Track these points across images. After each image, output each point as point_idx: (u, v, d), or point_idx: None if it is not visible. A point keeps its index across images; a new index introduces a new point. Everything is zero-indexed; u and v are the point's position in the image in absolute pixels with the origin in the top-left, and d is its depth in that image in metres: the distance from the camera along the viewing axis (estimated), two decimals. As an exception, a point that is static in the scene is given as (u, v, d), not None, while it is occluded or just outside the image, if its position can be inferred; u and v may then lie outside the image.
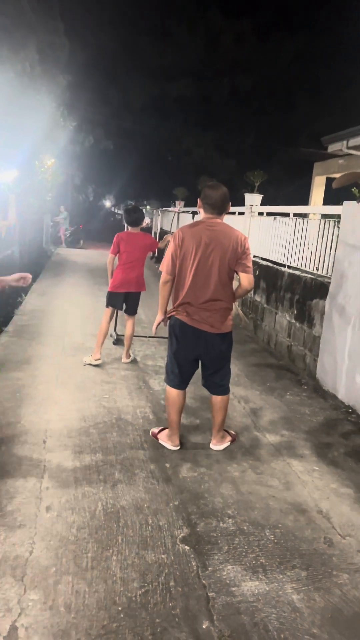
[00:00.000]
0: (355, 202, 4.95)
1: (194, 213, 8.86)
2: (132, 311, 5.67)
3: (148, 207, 35.08)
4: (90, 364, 5.44)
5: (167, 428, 3.84)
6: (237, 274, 3.51)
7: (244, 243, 3.47)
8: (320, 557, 2.69)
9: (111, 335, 6.52)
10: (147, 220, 33.71)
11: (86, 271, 12.71)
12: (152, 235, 19.30)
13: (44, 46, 12.84)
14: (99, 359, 5.49)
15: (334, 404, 4.99)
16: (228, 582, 2.44)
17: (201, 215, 3.59)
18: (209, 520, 2.92)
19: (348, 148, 10.85)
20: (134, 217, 5.56)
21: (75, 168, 24.59)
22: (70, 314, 7.85)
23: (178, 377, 3.70)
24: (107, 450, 3.64)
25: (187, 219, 14.27)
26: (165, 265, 3.55)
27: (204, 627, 2.16)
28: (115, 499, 3.04)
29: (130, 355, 5.81)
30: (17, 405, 4.31)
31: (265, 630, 2.17)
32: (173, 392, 3.71)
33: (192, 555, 2.60)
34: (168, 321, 3.70)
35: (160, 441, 3.81)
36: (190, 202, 17.07)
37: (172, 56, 22.44)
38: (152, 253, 6.11)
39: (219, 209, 3.50)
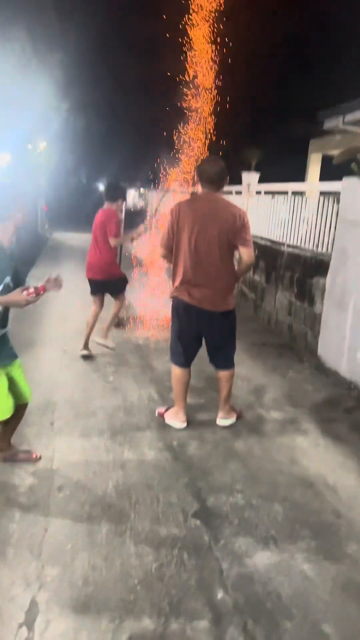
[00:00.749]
0: (355, 177, 4.93)
1: (192, 194, 8.77)
2: (113, 295, 5.42)
3: (142, 189, 34.78)
4: (83, 355, 5.19)
5: (172, 407, 3.88)
6: (237, 249, 3.49)
7: (243, 217, 3.43)
8: (329, 528, 2.75)
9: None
10: (141, 202, 33.37)
11: (83, 255, 12.66)
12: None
13: (34, 24, 12.62)
14: (83, 350, 5.20)
15: (336, 380, 5.04)
16: (240, 553, 2.50)
17: (198, 190, 3.60)
18: (219, 495, 2.98)
19: (344, 124, 10.75)
20: (106, 192, 5.30)
21: (68, 151, 24.34)
22: (70, 298, 7.83)
23: (182, 355, 3.74)
24: (114, 431, 3.68)
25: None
26: (160, 238, 3.59)
27: (218, 597, 2.22)
28: (126, 477, 3.08)
29: (107, 337, 5.45)
30: (22, 388, 4.33)
31: (278, 599, 2.23)
32: (178, 370, 3.77)
33: (204, 529, 2.66)
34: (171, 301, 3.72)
35: (167, 420, 3.84)
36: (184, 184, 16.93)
37: (161, 33, 22.07)
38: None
39: (217, 184, 3.48)
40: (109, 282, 5.28)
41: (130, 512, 2.76)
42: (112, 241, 5.10)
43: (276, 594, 2.25)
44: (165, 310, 5.79)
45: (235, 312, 3.73)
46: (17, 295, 2.63)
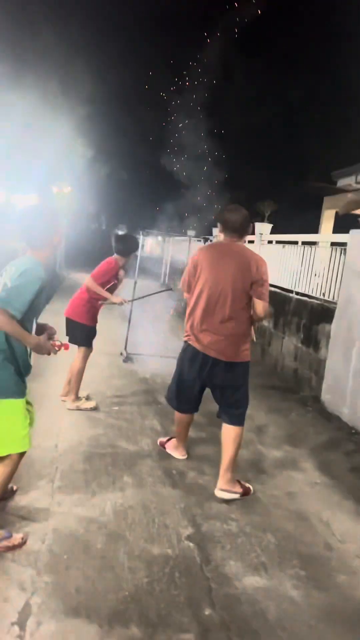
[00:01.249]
0: (360, 230, 5.18)
1: (205, 239, 9.12)
2: (71, 341, 4.46)
3: (160, 238, 35.68)
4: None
5: (174, 437, 3.98)
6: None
7: (262, 268, 3.30)
8: (319, 560, 2.80)
9: (122, 354, 6.73)
10: (157, 250, 34.05)
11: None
12: (163, 263, 19.66)
13: (66, 79, 13.51)
14: (74, 402, 4.74)
15: (338, 425, 5.10)
16: (230, 576, 2.56)
17: (220, 238, 3.52)
18: (214, 522, 3.05)
19: (357, 182, 11.20)
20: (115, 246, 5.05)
21: (91, 197, 25.29)
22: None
23: (175, 399, 3.66)
24: (116, 456, 3.78)
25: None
26: (181, 282, 3.61)
27: (206, 613, 2.28)
28: (124, 499, 3.17)
29: (78, 399, 4.74)
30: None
31: (264, 620, 2.28)
32: (179, 414, 3.74)
33: (197, 551, 2.73)
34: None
35: (167, 450, 3.93)
36: (201, 233, 17.44)
37: (185, 91, 23.33)
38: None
39: (240, 233, 3.40)
40: (70, 322, 4.81)
41: (126, 531, 2.84)
42: (88, 280, 4.80)
43: (262, 616, 2.30)
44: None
45: (248, 365, 3.54)
46: (44, 342, 2.64)
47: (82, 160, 15.60)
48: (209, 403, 4.12)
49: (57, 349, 2.67)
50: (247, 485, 3.50)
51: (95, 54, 18.91)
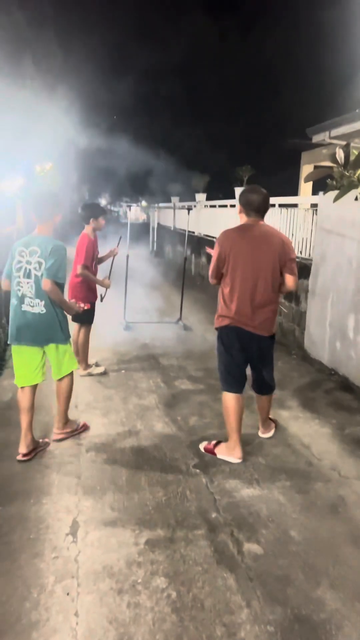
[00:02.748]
0: (329, 192, 5.71)
1: (189, 209, 9.58)
2: (72, 318, 4.81)
3: (144, 202, 35.79)
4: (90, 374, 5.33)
5: (220, 442, 3.78)
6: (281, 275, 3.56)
7: (289, 244, 3.56)
8: (302, 472, 3.49)
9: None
10: (143, 215, 34.15)
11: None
12: (149, 231, 20.02)
13: (38, 57, 13.58)
14: (86, 369, 5.31)
15: (320, 368, 5.77)
16: (230, 490, 3.24)
17: (242, 219, 3.58)
18: (214, 453, 3.72)
19: (331, 138, 11.57)
20: (79, 214, 5.23)
21: (72, 170, 25.31)
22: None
23: (236, 380, 3.68)
24: (129, 410, 4.44)
25: (183, 214, 15.01)
26: (211, 269, 3.64)
27: (212, 516, 2.96)
28: (139, 442, 3.83)
29: (88, 366, 5.33)
30: (50, 381, 5.11)
31: (257, 516, 2.97)
32: (232, 399, 3.65)
33: (202, 475, 3.40)
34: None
35: (219, 456, 3.64)
36: (184, 197, 17.78)
37: (158, 54, 23.17)
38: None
39: (262, 212, 3.54)
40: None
41: (144, 465, 3.50)
42: (79, 269, 4.98)
43: (256, 514, 2.99)
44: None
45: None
46: (73, 304, 3.77)
47: (60, 134, 15.78)
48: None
49: (80, 308, 3.99)
50: (274, 419, 4.27)
51: (63, 21, 18.77)
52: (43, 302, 3.47)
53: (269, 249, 3.46)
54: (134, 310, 8.29)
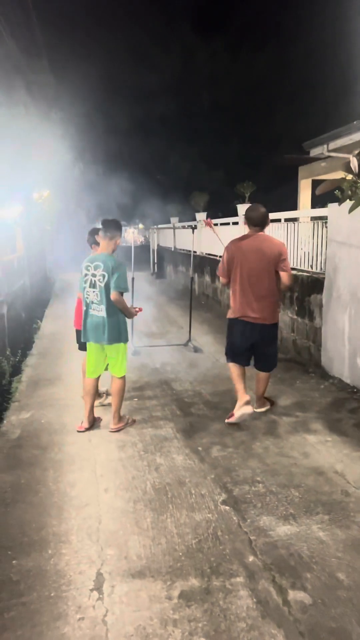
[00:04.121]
0: (337, 204, 5.52)
1: (193, 228, 9.44)
2: (81, 347, 4.92)
3: (141, 225, 35.89)
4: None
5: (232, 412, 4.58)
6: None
7: (283, 248, 4.50)
8: (339, 504, 3.22)
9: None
10: (140, 238, 34.14)
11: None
12: (150, 253, 19.90)
13: (31, 85, 13.59)
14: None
15: (340, 386, 5.52)
16: (265, 528, 2.96)
17: (247, 230, 4.60)
18: (242, 486, 3.45)
19: (329, 151, 11.49)
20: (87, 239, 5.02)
21: (69, 195, 25.33)
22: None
23: (237, 356, 4.64)
24: (146, 442, 4.18)
25: (183, 234, 14.88)
26: (220, 270, 4.66)
27: (250, 560, 2.68)
28: (161, 478, 3.57)
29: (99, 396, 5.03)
30: (59, 413, 4.87)
31: (299, 558, 2.69)
32: (234, 366, 4.64)
33: (233, 512, 3.13)
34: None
35: (235, 415, 4.48)
36: (184, 217, 17.71)
37: (151, 77, 23.38)
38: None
39: (261, 225, 4.53)
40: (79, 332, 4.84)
41: (169, 504, 3.23)
42: (78, 292, 4.77)
43: (297, 555, 2.72)
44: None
45: (278, 323, 4.69)
46: (131, 309, 4.45)
47: (57, 161, 15.76)
48: (220, 384, 4.51)
49: (136, 312, 4.58)
50: (271, 399, 5.01)
51: (55, 48, 18.96)
52: (105, 308, 4.26)
53: (265, 253, 4.41)
54: (142, 333, 8.07)
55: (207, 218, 5.27)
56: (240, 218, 9.03)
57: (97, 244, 4.97)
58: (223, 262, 4.58)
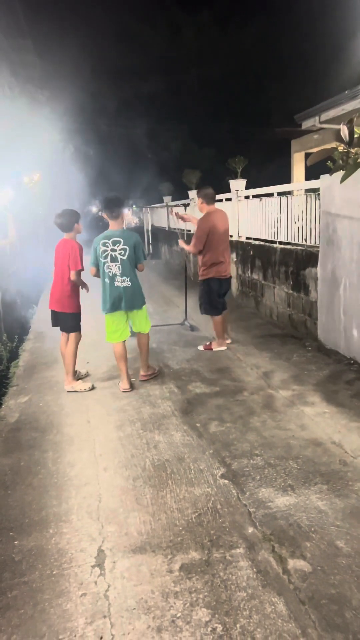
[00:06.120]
0: (329, 175, 5.45)
1: (186, 206, 9.35)
2: (62, 328, 5.08)
3: (134, 206, 35.61)
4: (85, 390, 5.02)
5: (212, 342, 6.17)
6: None
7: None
8: (337, 474, 3.23)
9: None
10: (135, 219, 33.87)
11: (84, 277, 13.22)
12: (144, 233, 19.76)
13: (16, 66, 13.31)
14: (71, 384, 5.03)
15: (337, 358, 5.51)
16: (264, 500, 2.98)
17: (204, 208, 5.87)
18: (241, 460, 3.46)
19: (321, 123, 11.32)
20: (58, 222, 4.94)
21: (60, 179, 25.03)
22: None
23: (219, 307, 5.99)
24: (144, 420, 4.18)
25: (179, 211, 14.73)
26: (197, 245, 5.78)
27: (249, 531, 2.70)
28: (160, 455, 3.58)
29: (74, 378, 5.07)
30: (57, 396, 4.87)
31: (298, 527, 2.71)
32: (219, 317, 6.00)
33: (232, 486, 3.14)
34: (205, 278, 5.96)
35: (214, 349, 6.03)
36: (176, 196, 17.53)
37: (138, 55, 22.93)
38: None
39: (215, 200, 5.96)
40: (57, 314, 5.03)
41: (168, 480, 3.25)
42: (75, 275, 4.88)
43: (297, 525, 2.73)
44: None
45: None
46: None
47: (47, 143, 15.54)
48: (217, 361, 4.48)
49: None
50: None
51: (38, 27, 18.52)
52: (129, 278, 4.73)
53: (225, 222, 5.92)
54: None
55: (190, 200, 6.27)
56: (233, 194, 8.93)
57: (60, 229, 4.98)
58: (204, 232, 5.71)
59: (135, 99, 23.97)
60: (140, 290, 4.88)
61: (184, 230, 11.53)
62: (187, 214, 7.96)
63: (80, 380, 5.14)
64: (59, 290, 4.94)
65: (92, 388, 5.03)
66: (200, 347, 6.13)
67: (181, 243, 6.22)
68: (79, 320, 5.11)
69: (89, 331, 6.99)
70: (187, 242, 6.15)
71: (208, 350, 6.03)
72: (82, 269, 4.90)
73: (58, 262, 4.92)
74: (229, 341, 6.21)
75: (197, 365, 5.55)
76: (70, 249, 4.86)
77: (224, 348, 6.03)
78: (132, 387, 4.93)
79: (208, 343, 6.17)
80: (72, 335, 5.05)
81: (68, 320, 5.02)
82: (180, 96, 24.00)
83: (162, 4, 23.34)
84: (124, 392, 4.84)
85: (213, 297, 5.91)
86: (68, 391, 4.98)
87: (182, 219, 6.40)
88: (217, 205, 6.06)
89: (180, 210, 13.30)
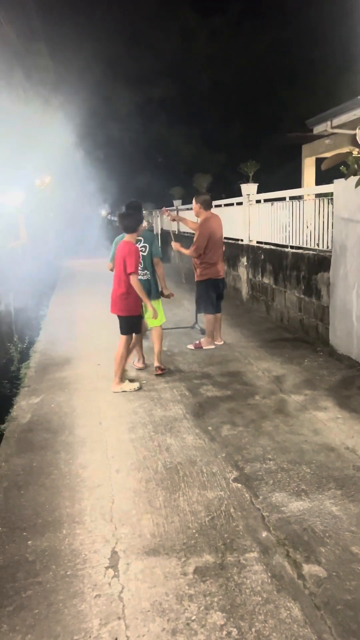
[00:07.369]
0: (343, 179, 5.44)
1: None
2: (121, 330, 5.08)
3: (144, 210, 35.69)
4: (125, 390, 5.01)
5: (202, 339, 6.49)
6: None
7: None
8: (351, 479, 3.21)
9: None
10: (144, 224, 34.06)
11: (95, 279, 13.25)
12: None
13: (30, 70, 13.43)
14: (120, 384, 5.04)
15: (349, 363, 5.49)
16: (277, 504, 2.96)
17: (202, 214, 6.33)
18: (254, 464, 3.45)
19: (333, 128, 11.32)
20: (124, 224, 5.00)
21: (71, 182, 25.16)
22: (92, 319, 8.39)
23: (215, 306, 6.39)
24: (155, 423, 4.18)
25: (188, 216, 14.75)
26: (201, 244, 6.17)
27: (263, 535, 2.69)
28: (172, 457, 3.57)
29: (121, 382, 5.04)
30: (68, 397, 4.88)
31: (313, 532, 2.69)
32: (213, 316, 6.40)
33: (244, 490, 3.13)
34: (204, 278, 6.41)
35: (204, 347, 6.36)
36: (187, 200, 17.56)
37: (151, 59, 23.02)
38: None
39: (211, 206, 6.53)
40: (118, 317, 5.07)
41: (180, 483, 3.24)
42: (133, 280, 4.83)
43: (311, 530, 2.72)
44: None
45: None
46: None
47: (58, 146, 15.64)
48: (229, 365, 4.48)
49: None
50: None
51: (53, 32, 18.68)
52: (148, 272, 5.34)
53: (221, 226, 6.46)
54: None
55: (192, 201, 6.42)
56: (244, 198, 8.93)
57: (125, 230, 4.99)
58: (205, 237, 6.15)
59: (147, 103, 24.06)
60: (156, 282, 5.45)
61: (176, 231, 11.88)
62: (178, 214, 8.19)
63: (127, 381, 5.09)
64: (113, 291, 4.99)
65: (139, 388, 5.02)
66: (190, 346, 6.41)
67: (177, 247, 6.52)
68: (131, 324, 5.04)
69: (102, 333, 7.03)
70: (176, 240, 6.89)
71: (198, 348, 6.33)
72: (135, 272, 4.82)
73: (117, 264, 4.94)
74: (220, 342, 6.50)
75: (208, 369, 5.54)
76: (128, 252, 4.81)
77: (212, 347, 6.37)
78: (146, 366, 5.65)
79: (198, 342, 6.46)
80: (122, 337, 5.02)
81: (120, 322, 5.03)
82: (191, 101, 24.06)
83: (176, 7, 23.40)
84: (138, 370, 5.60)
85: (211, 295, 6.34)
86: (115, 392, 4.94)
87: (175, 219, 7.11)
88: (227, 209, 6.76)
89: (184, 211, 13.29)
